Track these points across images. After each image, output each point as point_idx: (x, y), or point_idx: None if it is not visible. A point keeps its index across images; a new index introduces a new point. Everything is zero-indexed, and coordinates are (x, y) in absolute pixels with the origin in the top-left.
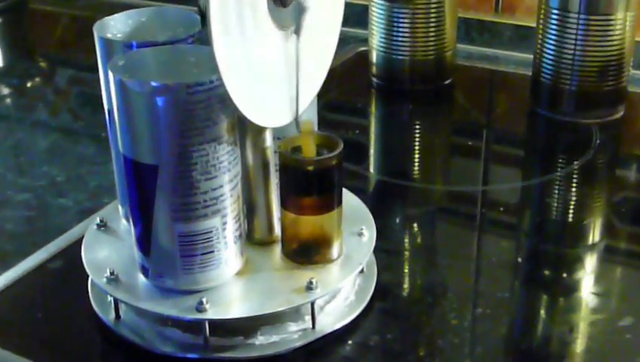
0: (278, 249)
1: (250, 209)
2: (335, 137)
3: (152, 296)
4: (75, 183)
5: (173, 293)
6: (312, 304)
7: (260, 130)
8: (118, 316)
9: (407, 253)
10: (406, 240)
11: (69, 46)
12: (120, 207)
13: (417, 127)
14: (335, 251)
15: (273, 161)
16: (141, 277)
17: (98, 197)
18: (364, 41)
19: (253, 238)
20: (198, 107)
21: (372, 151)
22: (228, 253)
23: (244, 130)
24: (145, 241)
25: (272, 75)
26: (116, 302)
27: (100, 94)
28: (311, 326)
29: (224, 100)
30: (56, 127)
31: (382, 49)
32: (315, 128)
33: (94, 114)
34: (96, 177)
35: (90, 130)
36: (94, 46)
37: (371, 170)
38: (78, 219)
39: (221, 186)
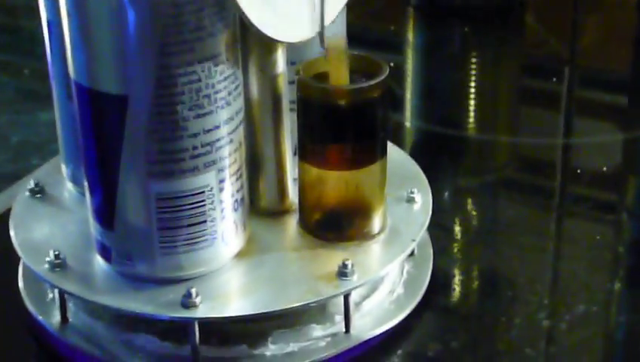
0: (294, 220)
1: (255, 163)
2: (376, 59)
3: (117, 288)
4: None
5: (148, 283)
6: (346, 297)
7: (269, 49)
8: (65, 319)
9: (469, 228)
10: (466, 211)
11: None
12: (63, 166)
13: (474, 60)
14: (376, 223)
15: (287, 94)
16: (100, 262)
17: (23, 156)
18: None
19: (259, 206)
20: (185, 11)
21: (411, 93)
22: (225, 225)
23: (248, 48)
24: (106, 210)
25: None
26: (63, 297)
27: (16, 4)
28: (344, 329)
29: (223, 2)
30: None
31: None
32: (346, 46)
33: (9, 40)
34: (18, 130)
35: (4, 64)
36: None
37: (410, 118)
38: None
39: (217, 127)
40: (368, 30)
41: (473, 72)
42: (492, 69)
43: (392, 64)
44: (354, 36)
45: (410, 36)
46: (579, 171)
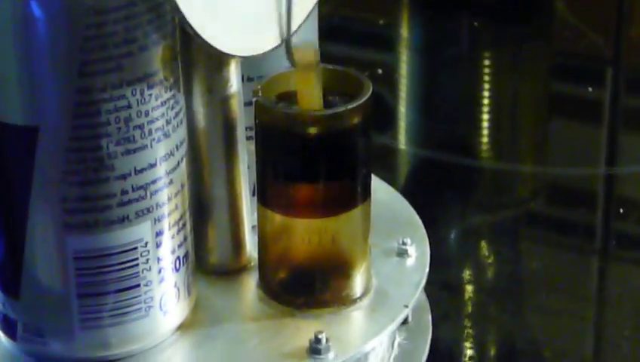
0: (253, 281)
1: (202, 209)
2: (356, 74)
3: None
4: None
5: None
6: None
7: (219, 64)
8: None
9: (480, 287)
10: (476, 263)
11: None
12: None
13: (487, 63)
14: (358, 283)
15: (243, 119)
16: (1, 339)
17: None
18: None
19: (208, 263)
20: (110, 19)
21: (404, 107)
22: (164, 290)
23: (191, 64)
24: (10, 271)
25: None
26: None
27: None
28: None
29: (157, 7)
30: None
31: None
32: (319, 58)
33: None
34: None
35: None
36: None
37: (404, 140)
38: None
39: (153, 165)
40: (351, 23)
41: (486, 79)
42: (511, 74)
43: (380, 71)
44: (333, 32)
45: (405, 32)
46: (621, 211)
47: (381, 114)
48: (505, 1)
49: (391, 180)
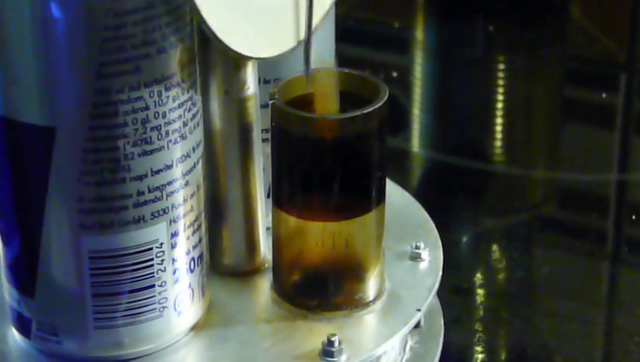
0: (267, 283)
1: (217, 211)
2: (373, 78)
3: None
4: None
5: None
6: None
7: (236, 66)
8: None
9: (492, 291)
10: (488, 268)
11: None
12: None
13: (501, 67)
14: (372, 287)
15: (259, 121)
16: (16, 337)
17: None
18: None
19: (223, 264)
20: (129, 21)
21: (418, 110)
22: (179, 291)
23: (208, 66)
24: (25, 270)
25: None
26: None
27: None
28: None
29: (176, 9)
30: None
31: None
32: (335, 61)
33: None
34: None
35: None
36: None
37: (418, 144)
38: None
39: (169, 167)
40: (366, 25)
41: (500, 83)
42: (524, 79)
43: (394, 74)
44: (348, 35)
45: (420, 35)
46: (633, 217)
47: (395, 116)
48: (519, 5)
49: (404, 183)
